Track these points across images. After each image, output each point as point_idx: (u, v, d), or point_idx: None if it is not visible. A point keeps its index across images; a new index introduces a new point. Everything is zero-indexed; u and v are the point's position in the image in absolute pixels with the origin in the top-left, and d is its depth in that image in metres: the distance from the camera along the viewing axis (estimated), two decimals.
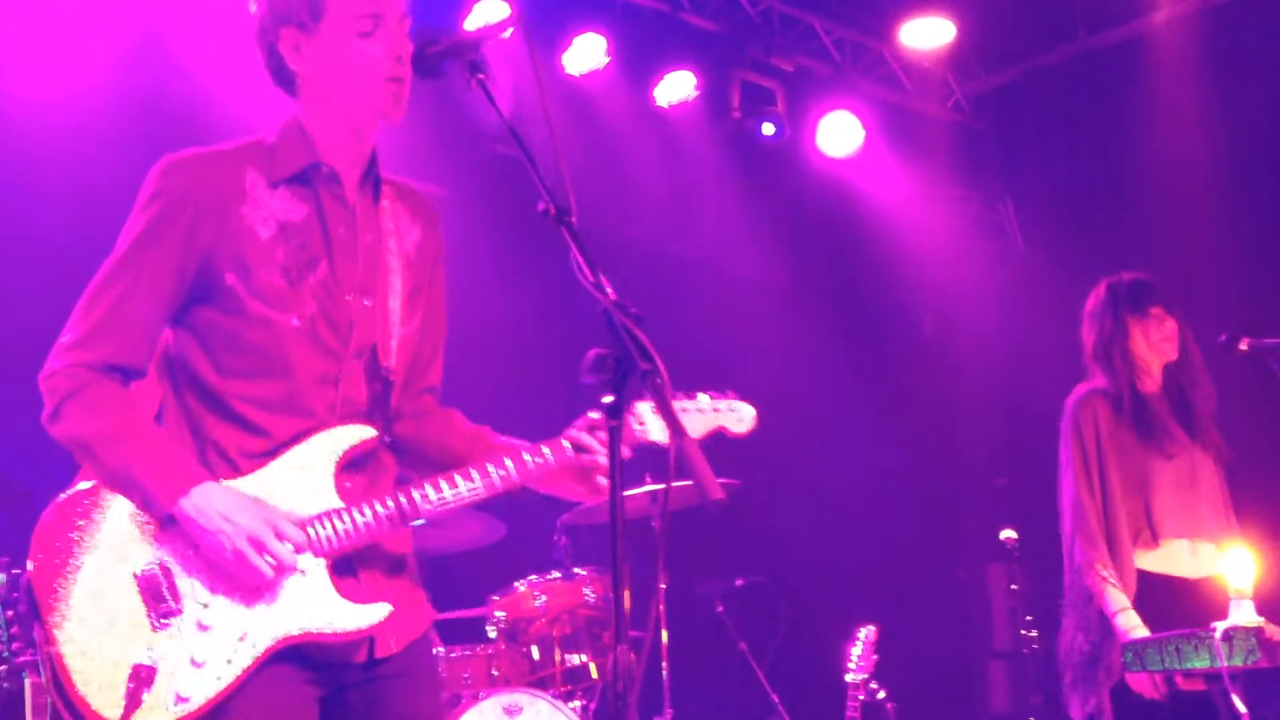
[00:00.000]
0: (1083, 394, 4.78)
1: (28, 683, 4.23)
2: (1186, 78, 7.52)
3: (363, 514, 2.63)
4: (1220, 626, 4.01)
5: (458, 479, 2.68)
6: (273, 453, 2.64)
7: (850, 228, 8.38)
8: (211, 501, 2.52)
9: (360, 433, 2.69)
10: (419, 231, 2.85)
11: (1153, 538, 4.59)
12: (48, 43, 5.70)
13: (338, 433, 2.67)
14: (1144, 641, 4.23)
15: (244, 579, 2.55)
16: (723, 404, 2.86)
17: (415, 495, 2.66)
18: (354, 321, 2.69)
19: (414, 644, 2.76)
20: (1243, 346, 4.56)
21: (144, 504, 2.55)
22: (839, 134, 7.95)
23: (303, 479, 2.63)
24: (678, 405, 2.80)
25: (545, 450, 2.73)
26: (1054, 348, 7.45)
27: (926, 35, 7.93)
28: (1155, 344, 4.75)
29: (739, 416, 2.88)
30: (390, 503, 2.65)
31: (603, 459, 2.69)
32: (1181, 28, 7.53)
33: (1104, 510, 4.59)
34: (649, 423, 2.78)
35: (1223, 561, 4.43)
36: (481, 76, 2.58)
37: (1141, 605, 4.50)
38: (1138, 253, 7.68)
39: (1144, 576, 4.57)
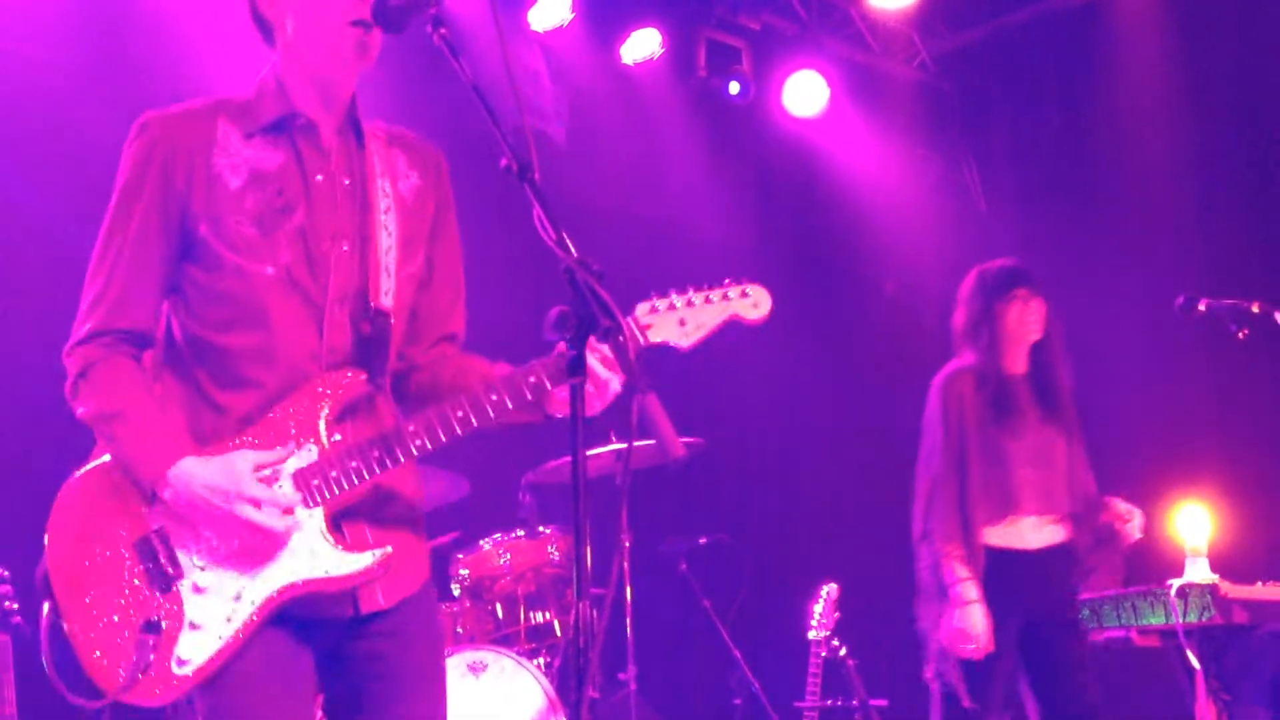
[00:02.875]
0: (950, 372, 4.99)
1: None
2: (1149, 38, 7.54)
3: (353, 459, 2.61)
4: (1175, 583, 4.08)
5: (449, 412, 2.61)
6: (263, 408, 2.62)
7: (815, 188, 8.38)
8: (191, 475, 2.53)
9: (349, 379, 2.66)
10: (416, 177, 2.81)
11: (1005, 512, 4.78)
12: None
13: (325, 379, 2.65)
14: (1100, 599, 4.30)
15: (244, 539, 2.55)
16: (734, 290, 2.73)
17: (405, 434, 2.62)
18: (333, 267, 2.66)
19: (408, 601, 2.71)
20: (1201, 307, 4.63)
21: (136, 483, 2.59)
22: (805, 93, 7.94)
23: (293, 431, 2.61)
24: (683, 299, 2.70)
25: (541, 372, 2.61)
26: None
27: None
28: (1022, 324, 4.93)
29: (753, 301, 2.74)
30: (380, 445, 2.61)
31: (604, 373, 2.56)
32: None
33: (961, 487, 4.78)
34: (655, 325, 2.67)
35: (1063, 531, 4.66)
36: (444, 30, 2.55)
37: (987, 579, 4.68)
38: (1100, 213, 7.74)
39: (989, 552, 4.76)
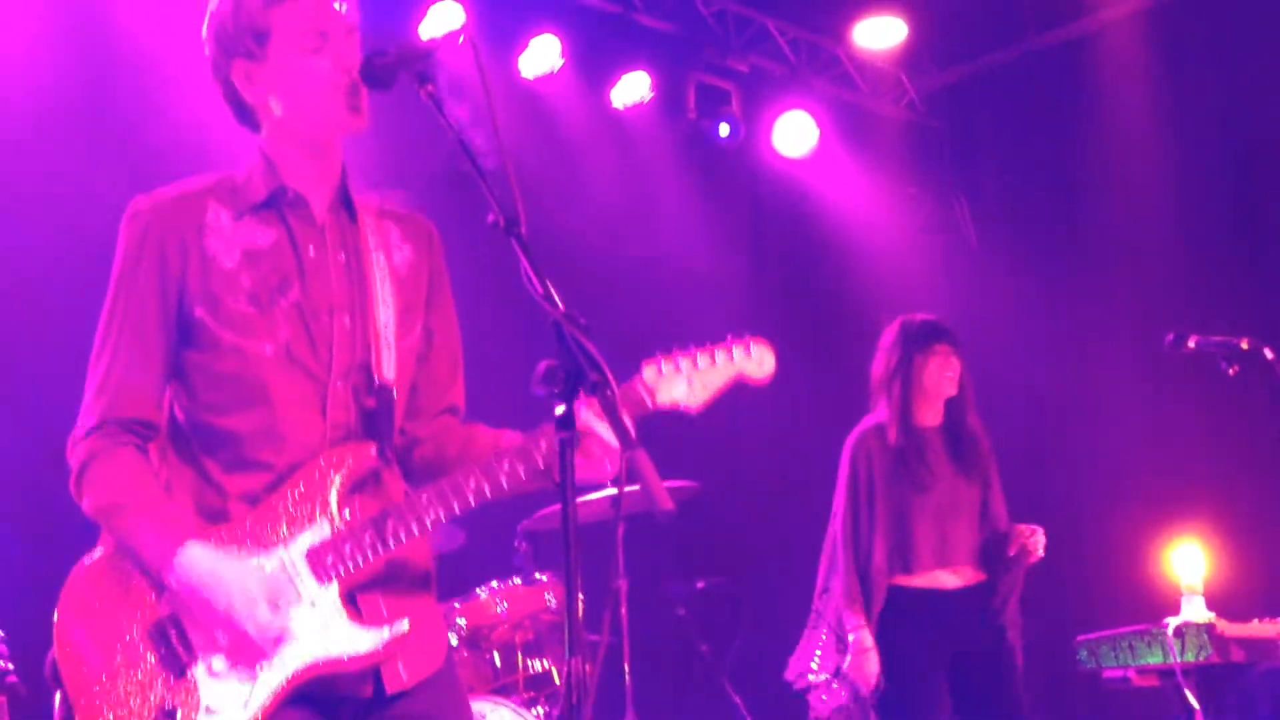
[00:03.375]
0: (860, 431, 5.20)
1: None
2: (1135, 74, 7.61)
3: (367, 534, 2.58)
4: (1172, 623, 4.07)
5: (461, 483, 2.60)
6: (273, 487, 2.60)
7: (807, 226, 8.41)
8: (196, 562, 2.51)
9: (358, 453, 2.64)
10: (409, 250, 2.81)
11: (911, 567, 4.97)
12: None
13: (333, 455, 2.62)
14: (1098, 639, 4.30)
15: (242, 636, 2.52)
16: (739, 349, 2.73)
17: (419, 506, 2.59)
18: (334, 342, 2.65)
19: (432, 679, 2.66)
20: (1190, 344, 4.65)
21: (145, 571, 2.57)
22: (794, 133, 7.99)
23: (304, 509, 2.59)
24: (688, 360, 2.70)
25: (550, 439, 2.58)
26: (1007, 342, 7.54)
27: (879, 35, 7.99)
28: (938, 379, 5.09)
29: (757, 360, 2.74)
30: (393, 518, 2.59)
31: (610, 438, 2.55)
32: (1129, 25, 7.61)
33: (866, 543, 5.00)
34: (661, 389, 2.66)
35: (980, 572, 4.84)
36: (431, 88, 2.56)
37: (899, 617, 4.92)
38: (1090, 248, 7.77)
39: (903, 591, 4.97)
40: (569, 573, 2.20)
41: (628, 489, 2.23)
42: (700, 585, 6.44)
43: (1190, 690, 4.00)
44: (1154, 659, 4.12)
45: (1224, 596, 4.51)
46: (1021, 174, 8.34)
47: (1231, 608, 4.50)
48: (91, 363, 2.66)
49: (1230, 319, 5.53)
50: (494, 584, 5.34)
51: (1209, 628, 4.02)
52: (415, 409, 2.81)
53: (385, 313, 2.70)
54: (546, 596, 5.33)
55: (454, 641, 5.30)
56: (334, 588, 2.57)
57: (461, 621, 5.30)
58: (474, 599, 5.33)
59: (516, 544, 5.43)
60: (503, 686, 5.20)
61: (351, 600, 2.60)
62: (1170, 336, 4.77)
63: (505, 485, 2.61)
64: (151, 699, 2.52)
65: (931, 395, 5.09)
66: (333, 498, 2.60)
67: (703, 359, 2.70)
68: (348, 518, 2.61)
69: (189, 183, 2.72)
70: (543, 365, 2.31)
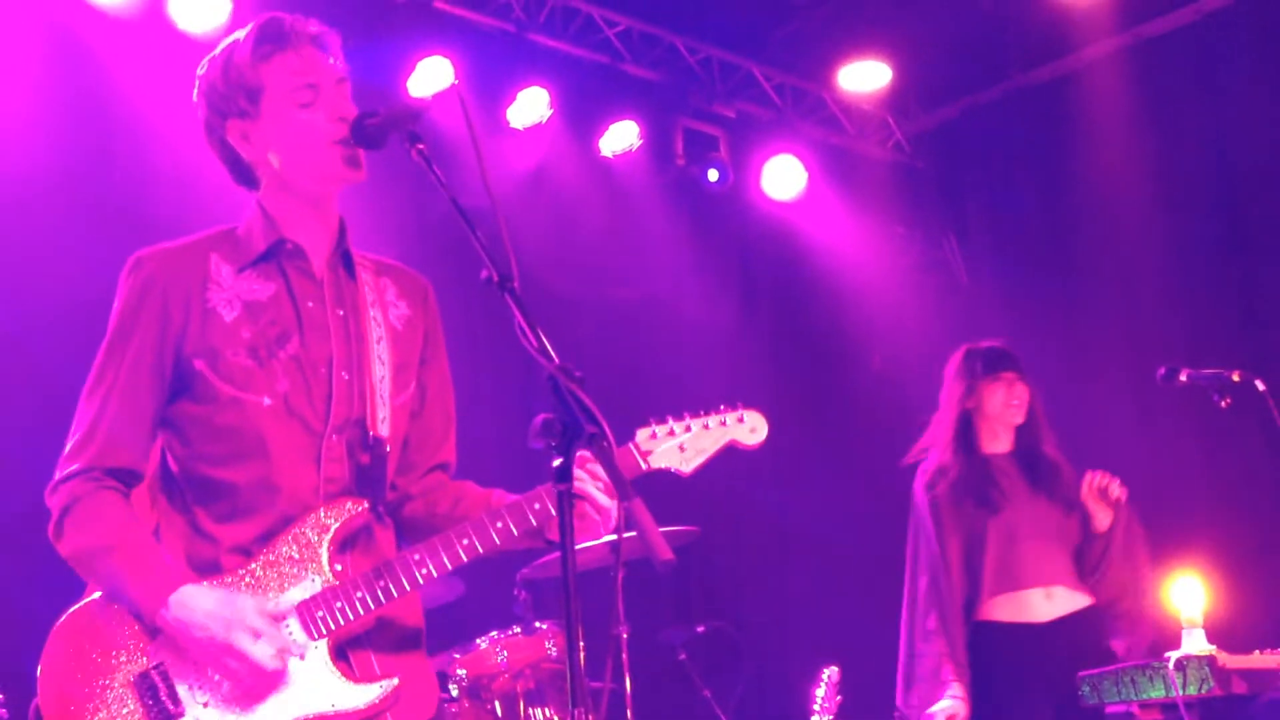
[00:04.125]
0: (923, 469, 5.08)
1: None
2: (1120, 110, 7.66)
3: (358, 590, 2.59)
4: (1174, 656, 4.07)
5: (454, 540, 2.62)
6: (265, 539, 2.61)
7: (797, 269, 8.45)
8: (193, 602, 2.51)
9: (349, 508, 2.65)
10: (406, 307, 2.84)
11: (1000, 591, 4.82)
12: None
13: (327, 509, 2.64)
14: (1100, 674, 4.29)
15: (244, 673, 2.52)
16: (731, 416, 2.82)
17: (410, 563, 2.61)
18: (333, 395, 2.67)
19: None
20: (1182, 378, 4.68)
21: (134, 613, 2.56)
22: (783, 177, 8.05)
23: (296, 563, 2.60)
24: (682, 424, 2.77)
25: (547, 500, 2.65)
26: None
27: (864, 78, 8.05)
28: (1004, 407, 4.99)
29: (750, 427, 2.83)
30: (385, 574, 2.60)
31: (605, 501, 2.62)
32: (1112, 62, 7.68)
33: (946, 577, 4.85)
34: (655, 452, 2.73)
35: (1085, 598, 4.63)
36: (421, 146, 2.59)
37: (987, 654, 4.77)
38: (1080, 284, 7.81)
39: (995, 627, 4.81)
40: (570, 622, 2.21)
41: (628, 535, 2.24)
42: (701, 629, 6.42)
43: None
44: (1156, 693, 4.11)
45: (1224, 628, 4.52)
46: (1009, 212, 8.39)
47: (1232, 640, 4.51)
48: (80, 407, 2.65)
49: (1222, 351, 5.57)
50: (494, 634, 5.33)
51: (1210, 660, 4.02)
52: (407, 464, 2.83)
53: (380, 369, 2.71)
54: (547, 645, 5.32)
55: (454, 692, 5.29)
56: (324, 643, 2.58)
57: (462, 672, 5.28)
58: (474, 649, 5.31)
59: (516, 593, 5.42)
60: None
61: (342, 655, 2.60)
62: (1162, 370, 4.81)
63: (498, 542, 2.63)
64: None
65: (996, 423, 5.01)
66: (324, 553, 2.61)
67: (696, 425, 2.78)
68: (340, 571, 2.62)
69: (191, 237, 2.75)
70: (539, 419, 2.32)
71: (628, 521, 2.20)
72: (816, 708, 5.85)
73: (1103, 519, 4.83)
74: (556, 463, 2.30)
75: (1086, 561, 4.88)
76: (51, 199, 5.65)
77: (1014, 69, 8.13)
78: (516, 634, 5.31)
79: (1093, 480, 4.82)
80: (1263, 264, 7.19)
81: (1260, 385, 4.70)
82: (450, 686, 5.31)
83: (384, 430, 2.70)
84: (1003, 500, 4.88)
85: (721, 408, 2.82)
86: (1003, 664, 4.73)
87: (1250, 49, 7.21)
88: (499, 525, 2.63)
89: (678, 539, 5.25)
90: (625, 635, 5.24)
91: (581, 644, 2.20)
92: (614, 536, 5.37)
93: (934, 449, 5.08)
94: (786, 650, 7.50)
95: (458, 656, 5.31)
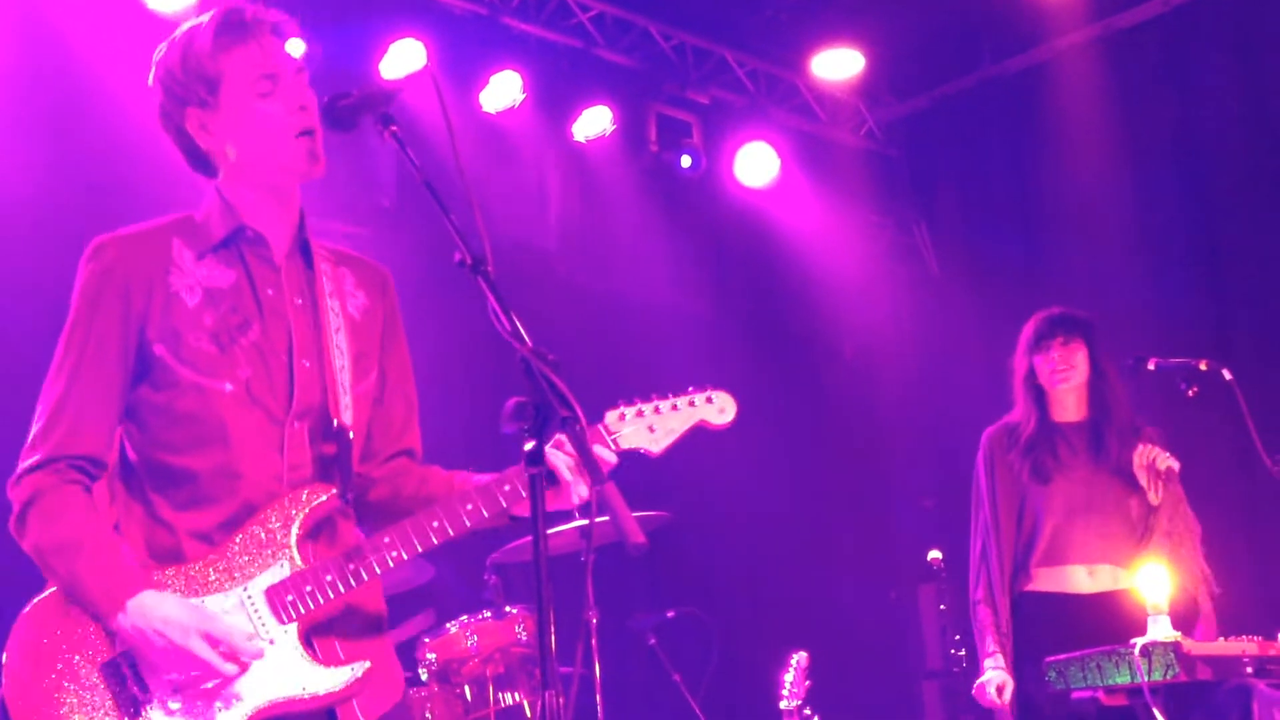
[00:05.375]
0: (987, 432, 5.03)
1: None
2: (1092, 100, 7.70)
3: (328, 573, 2.59)
4: (1139, 642, 4.11)
5: (424, 523, 2.62)
6: (227, 526, 2.60)
7: (769, 256, 8.46)
8: (150, 609, 2.50)
9: (318, 494, 2.64)
10: (364, 297, 2.83)
11: (1044, 563, 4.81)
12: None
13: (295, 496, 2.63)
14: (1066, 659, 4.32)
15: (203, 675, 2.51)
16: (699, 397, 2.82)
17: (381, 546, 2.61)
18: (294, 382, 2.65)
19: (388, 715, 2.68)
20: (1150, 366, 4.72)
21: (93, 615, 2.55)
22: (755, 164, 8.05)
23: (264, 549, 2.59)
24: (650, 405, 2.78)
25: (515, 481, 2.66)
26: (971, 368, 7.60)
27: (837, 66, 8.06)
28: (1052, 374, 4.94)
29: (719, 407, 2.84)
30: (355, 558, 2.60)
31: (569, 477, 2.64)
32: (1083, 53, 7.71)
33: (995, 544, 4.82)
34: (623, 433, 2.74)
35: (1132, 577, 4.60)
36: (395, 129, 2.58)
37: (1031, 624, 4.76)
38: (1049, 273, 7.85)
39: (1036, 596, 4.81)
40: (542, 607, 2.21)
41: (599, 520, 2.25)
42: (671, 614, 6.43)
43: (1159, 709, 4.03)
44: (1122, 679, 4.14)
45: (1189, 615, 4.56)
46: (981, 200, 8.43)
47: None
48: (43, 395, 2.62)
49: (1190, 343, 5.60)
50: (464, 618, 5.33)
51: (1175, 646, 4.06)
52: (370, 451, 2.82)
53: (340, 359, 2.71)
54: (517, 629, 5.32)
55: (424, 676, 5.29)
56: (294, 627, 2.58)
57: (432, 656, 5.28)
58: (444, 633, 5.31)
59: (486, 577, 5.42)
60: None
61: (309, 641, 2.60)
62: (1130, 360, 4.84)
63: (468, 524, 2.64)
64: None
65: (1053, 391, 4.94)
66: (293, 538, 2.60)
67: (665, 406, 2.79)
68: (309, 556, 2.62)
69: (152, 222, 2.73)
70: (511, 402, 2.33)
71: (600, 505, 2.20)
72: (785, 693, 5.87)
73: (1154, 494, 4.76)
74: (529, 446, 2.31)
75: (1139, 537, 4.82)
76: (12, 181, 5.58)
77: (987, 58, 8.16)
78: (486, 618, 5.32)
79: (1144, 453, 4.76)
80: (1232, 255, 7.25)
81: (1227, 374, 4.74)
82: (420, 671, 5.31)
83: (347, 418, 2.69)
84: (1057, 471, 4.84)
85: (690, 389, 2.83)
86: (1040, 633, 4.72)
87: (1219, 41, 7.26)
88: (469, 508, 2.63)
89: (648, 523, 5.25)
90: (595, 620, 5.25)
91: (552, 629, 2.21)
92: (584, 522, 5.40)
93: (1009, 414, 5.03)
94: (756, 635, 7.53)
95: (427, 640, 5.31)
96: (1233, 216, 7.26)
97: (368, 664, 2.59)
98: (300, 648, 2.57)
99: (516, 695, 5.26)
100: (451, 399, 6.78)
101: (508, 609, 5.33)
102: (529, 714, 5.25)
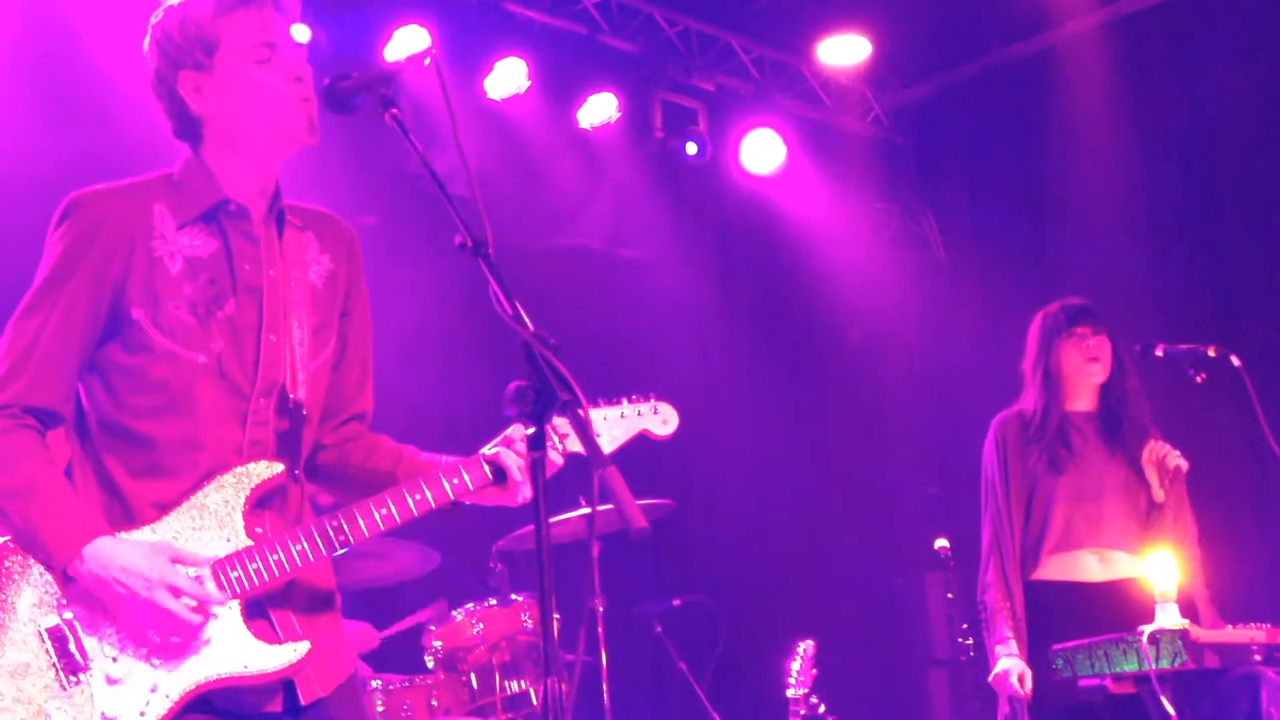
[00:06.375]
0: (998, 419, 4.99)
1: None
2: (1099, 87, 7.67)
3: (274, 552, 2.59)
4: (1147, 630, 4.09)
5: (372, 509, 2.64)
6: (180, 497, 2.59)
7: (775, 243, 8.44)
8: (109, 556, 2.47)
9: (267, 469, 2.64)
10: (328, 261, 2.81)
11: (1054, 550, 4.78)
12: None
13: (244, 471, 2.62)
14: (1074, 647, 4.30)
15: (162, 628, 2.50)
16: (644, 407, 2.86)
17: (329, 529, 2.62)
18: (260, 358, 2.65)
19: (342, 688, 2.70)
20: (1158, 353, 4.70)
21: (45, 562, 2.52)
22: (761, 151, 8.02)
23: (211, 522, 2.59)
24: (599, 413, 2.80)
25: (464, 474, 2.69)
26: (977, 355, 7.58)
27: (843, 52, 8.02)
28: (1077, 362, 4.89)
29: (662, 418, 2.87)
30: (303, 538, 2.60)
31: (519, 477, 2.67)
32: (1091, 39, 7.67)
33: (1008, 531, 4.80)
34: (571, 434, 2.72)
35: (1141, 566, 4.58)
36: (395, 111, 2.57)
37: (1041, 613, 4.72)
38: (1056, 261, 7.82)
39: (1046, 584, 4.77)
40: (544, 594, 2.20)
41: (603, 508, 2.24)
42: (676, 602, 6.43)
43: (1166, 697, 4.01)
44: (1130, 666, 4.12)
45: (1188, 615, 4.54)
46: (988, 187, 8.39)
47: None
48: (6, 342, 2.59)
49: (1196, 329, 5.58)
50: (470, 605, 5.32)
51: (1183, 634, 4.04)
52: (326, 413, 2.82)
53: (299, 333, 2.71)
54: (523, 617, 5.31)
55: (430, 664, 5.28)
56: (236, 604, 2.57)
57: (438, 644, 5.28)
58: (450, 621, 5.31)
59: (492, 565, 5.41)
60: (480, 708, 5.18)
61: (260, 614, 2.60)
62: (1138, 346, 4.81)
63: (415, 513, 2.66)
64: (44, 705, 2.48)
65: (1074, 379, 4.90)
66: (240, 512, 2.60)
67: (612, 413, 2.83)
68: (257, 532, 2.62)
69: (129, 180, 2.71)
70: (512, 386, 2.32)
71: (602, 489, 2.19)
72: (791, 681, 5.86)
73: (1159, 489, 4.76)
74: (529, 430, 2.30)
75: (1147, 530, 4.81)
76: (15, 155, 5.57)
77: (994, 44, 8.12)
78: (492, 606, 5.31)
79: (1154, 448, 4.76)
80: (1238, 241, 7.22)
81: (1236, 360, 4.72)
82: (426, 658, 5.31)
83: (301, 394, 2.69)
84: (1070, 460, 4.81)
85: (634, 397, 2.87)
86: (1051, 621, 4.69)
87: (1227, 25, 7.21)
88: (417, 497, 2.66)
89: (653, 512, 5.24)
90: (601, 608, 5.24)
91: (557, 616, 2.20)
92: (589, 509, 5.38)
93: (1021, 399, 4.99)
94: (762, 623, 7.52)
95: (433, 628, 5.31)
96: (1240, 203, 7.23)
97: (307, 645, 2.59)
98: (244, 624, 2.57)
99: (523, 683, 5.26)
100: (453, 383, 6.78)
101: (514, 597, 5.33)
102: (535, 701, 5.25)
